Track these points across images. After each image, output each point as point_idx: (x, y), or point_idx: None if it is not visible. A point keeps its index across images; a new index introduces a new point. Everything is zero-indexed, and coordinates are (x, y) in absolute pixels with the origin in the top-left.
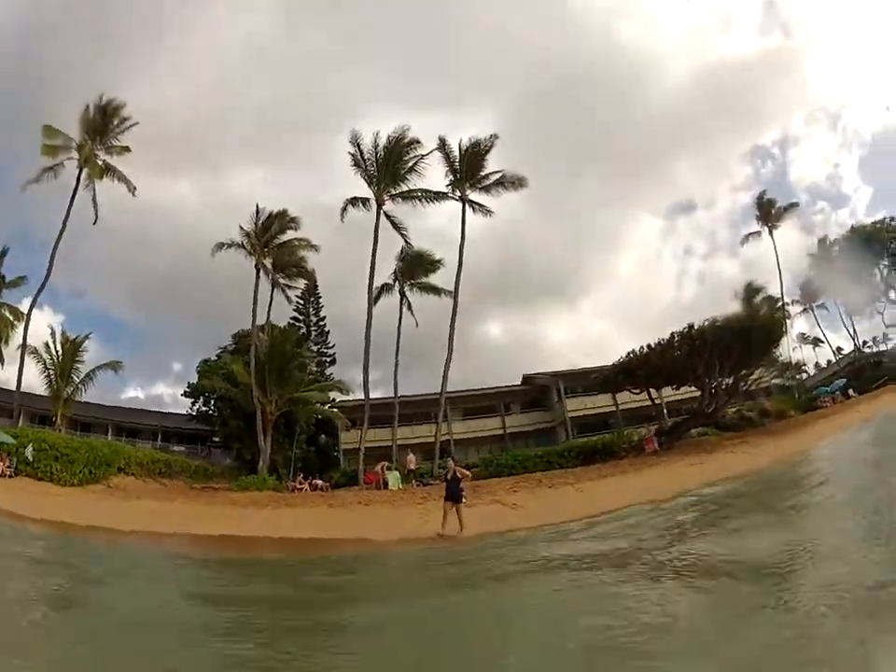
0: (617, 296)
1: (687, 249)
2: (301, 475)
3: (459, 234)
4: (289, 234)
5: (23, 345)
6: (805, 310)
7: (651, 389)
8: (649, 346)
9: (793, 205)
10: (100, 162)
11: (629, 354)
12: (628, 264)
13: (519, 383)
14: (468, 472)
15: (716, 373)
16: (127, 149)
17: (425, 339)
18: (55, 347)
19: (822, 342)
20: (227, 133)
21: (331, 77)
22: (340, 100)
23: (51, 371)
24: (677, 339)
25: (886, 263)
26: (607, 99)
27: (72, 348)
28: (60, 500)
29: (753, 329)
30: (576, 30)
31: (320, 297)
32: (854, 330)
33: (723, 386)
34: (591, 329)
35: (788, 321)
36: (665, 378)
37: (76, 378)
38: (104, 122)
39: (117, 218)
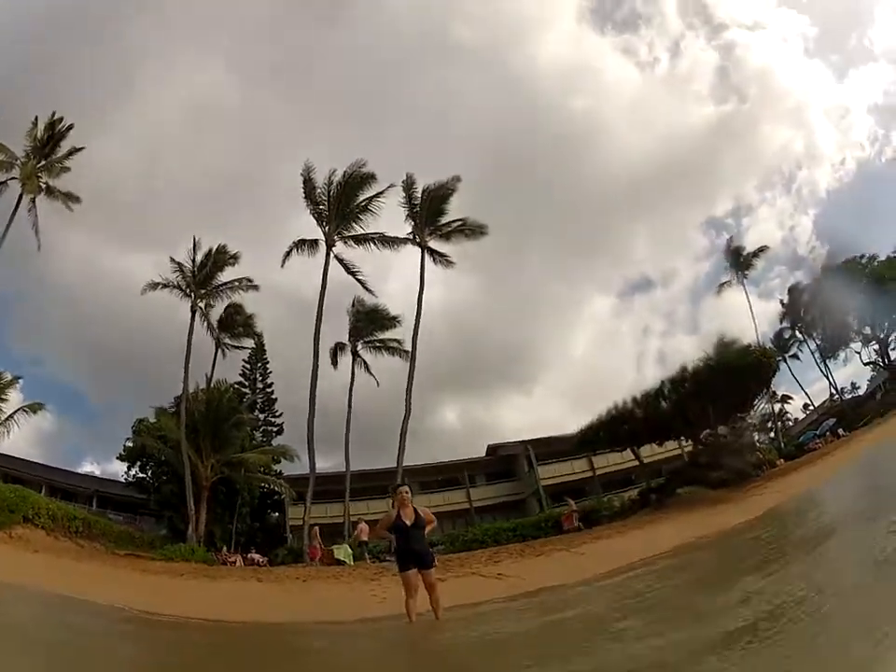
0: (572, 378)
1: (645, 329)
2: (225, 548)
3: (413, 307)
4: (229, 273)
5: None
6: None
7: (633, 447)
8: (634, 399)
9: (763, 249)
10: (42, 184)
11: (610, 409)
12: (583, 345)
13: (484, 454)
14: (432, 516)
15: (710, 420)
16: (66, 169)
17: (378, 428)
18: None
19: (791, 398)
20: (177, 202)
21: (283, 154)
22: (290, 177)
23: None
24: (667, 386)
25: (860, 300)
26: (559, 173)
27: None
28: None
29: (747, 367)
30: (526, 107)
31: (268, 362)
32: (831, 375)
33: (718, 435)
34: (546, 413)
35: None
36: (651, 432)
37: None
38: (50, 141)
39: (75, 288)
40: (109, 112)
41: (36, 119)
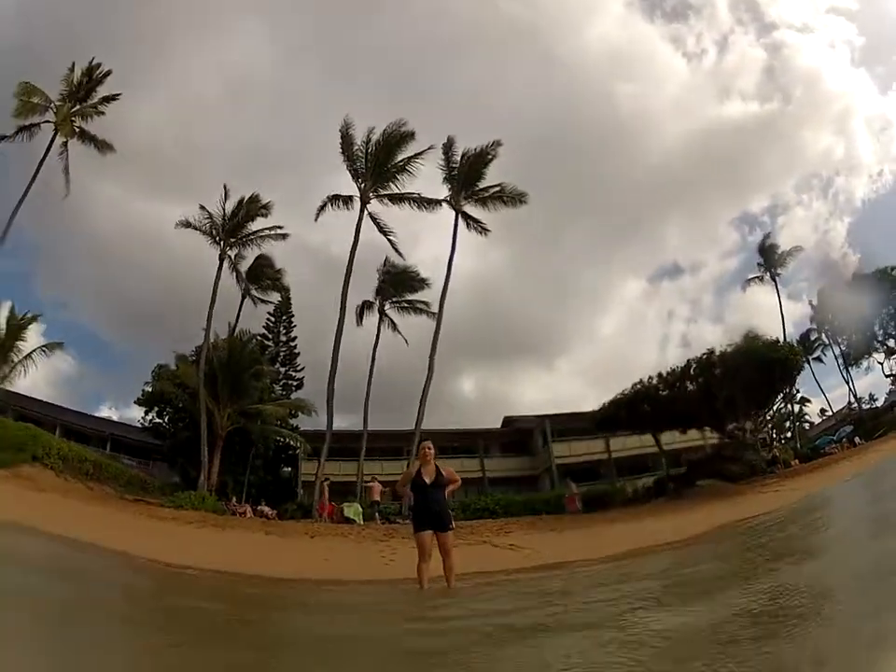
0: (596, 357)
1: (671, 313)
2: (235, 499)
3: (441, 274)
4: (260, 223)
5: None
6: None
7: (654, 432)
8: (659, 376)
9: (797, 249)
10: (76, 128)
11: (634, 385)
12: (609, 325)
13: (500, 426)
14: (457, 476)
15: (737, 412)
16: (102, 113)
17: (397, 391)
18: None
19: (809, 401)
20: (213, 161)
21: (320, 115)
22: (326, 140)
23: None
24: (694, 367)
25: (887, 311)
26: (600, 157)
27: (16, 325)
28: None
29: (775, 361)
30: (572, 88)
31: (293, 316)
32: (851, 382)
33: (743, 428)
34: (566, 391)
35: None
36: (674, 417)
37: (15, 358)
38: (87, 86)
39: (105, 238)
40: (148, 70)
41: (73, 64)
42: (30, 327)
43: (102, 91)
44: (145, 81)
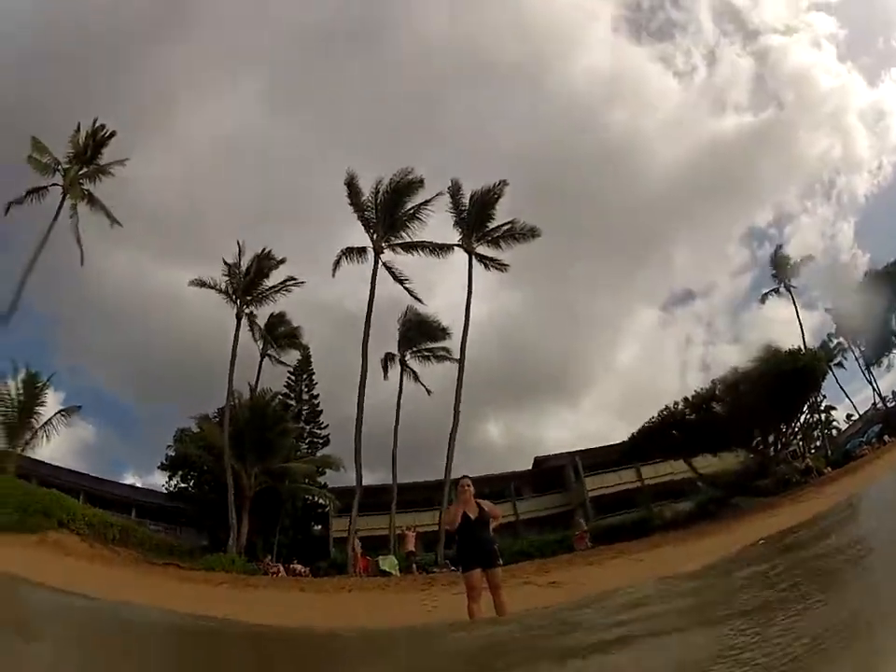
0: (619, 390)
1: (688, 338)
2: (270, 557)
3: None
4: (274, 279)
5: None
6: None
7: (686, 457)
8: (685, 400)
9: (809, 258)
10: (85, 191)
11: (662, 412)
12: (628, 357)
13: (530, 467)
14: (498, 511)
15: (766, 428)
16: (110, 174)
17: (423, 442)
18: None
19: (834, 408)
20: (220, 219)
21: (324, 171)
22: (332, 195)
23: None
24: (718, 388)
25: None
26: (601, 187)
27: (31, 386)
28: None
29: (799, 371)
30: (566, 120)
31: (313, 373)
32: (875, 382)
33: (775, 444)
34: (593, 427)
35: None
36: (704, 440)
37: (35, 424)
38: (92, 146)
39: (122, 304)
40: (149, 128)
41: (79, 125)
42: (48, 392)
43: (107, 152)
44: (146, 139)
